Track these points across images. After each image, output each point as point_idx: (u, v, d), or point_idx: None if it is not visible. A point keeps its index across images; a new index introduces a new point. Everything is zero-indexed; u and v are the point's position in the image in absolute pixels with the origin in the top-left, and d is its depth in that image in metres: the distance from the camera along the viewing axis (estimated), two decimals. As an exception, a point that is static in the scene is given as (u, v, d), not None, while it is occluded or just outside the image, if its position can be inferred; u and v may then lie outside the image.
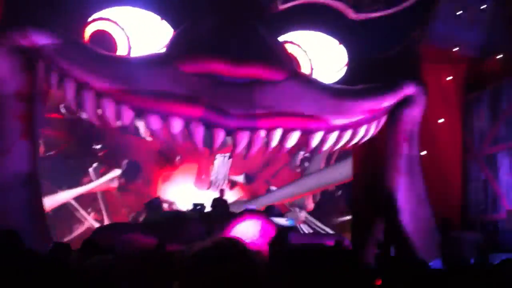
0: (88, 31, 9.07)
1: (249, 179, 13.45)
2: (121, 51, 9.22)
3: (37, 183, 8.80)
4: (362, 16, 9.42)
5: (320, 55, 10.15)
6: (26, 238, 4.54)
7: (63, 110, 12.31)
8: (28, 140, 8.49)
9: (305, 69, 9.97)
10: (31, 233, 3.95)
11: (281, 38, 9.65)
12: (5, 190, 8.16)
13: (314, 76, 9.92)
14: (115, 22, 9.21)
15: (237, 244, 1.77)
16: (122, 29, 9.25)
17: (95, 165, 12.58)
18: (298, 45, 10.05)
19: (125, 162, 12.50)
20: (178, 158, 12.63)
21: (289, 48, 9.80)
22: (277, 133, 9.01)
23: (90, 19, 9.02)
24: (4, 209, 7.93)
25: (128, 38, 9.26)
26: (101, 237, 8.02)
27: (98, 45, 8.75)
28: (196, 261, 1.71)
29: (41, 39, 8.23)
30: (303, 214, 13.57)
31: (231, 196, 12.61)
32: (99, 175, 12.53)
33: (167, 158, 12.51)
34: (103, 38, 9.10)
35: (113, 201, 12.50)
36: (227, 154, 12.62)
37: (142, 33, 9.21)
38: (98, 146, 12.55)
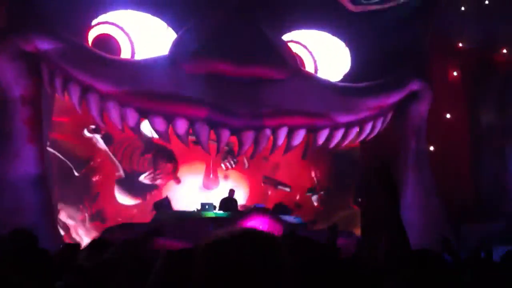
0: (92, 34, 9.10)
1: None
2: (125, 55, 9.26)
3: (47, 185, 8.93)
4: (360, 8, 9.36)
5: (325, 54, 10.11)
6: (38, 238, 4.63)
7: (88, 134, 12.62)
8: (35, 144, 8.62)
9: (309, 69, 9.94)
10: (42, 233, 4.03)
11: (286, 38, 9.64)
12: (17, 191, 8.37)
13: (319, 74, 9.88)
14: (118, 26, 9.23)
15: (258, 231, 1.65)
16: (126, 33, 9.27)
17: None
18: (304, 45, 10.00)
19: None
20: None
21: (294, 47, 9.78)
22: (283, 131, 9.02)
23: (93, 23, 9.06)
24: (16, 209, 8.12)
25: (131, 42, 9.27)
26: (110, 237, 8.09)
27: (102, 48, 8.79)
28: (217, 248, 1.59)
29: (44, 44, 8.32)
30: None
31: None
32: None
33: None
34: (107, 42, 9.12)
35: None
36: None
37: (145, 37, 9.21)
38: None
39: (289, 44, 9.60)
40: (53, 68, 8.47)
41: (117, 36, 9.26)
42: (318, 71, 10.01)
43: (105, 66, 8.43)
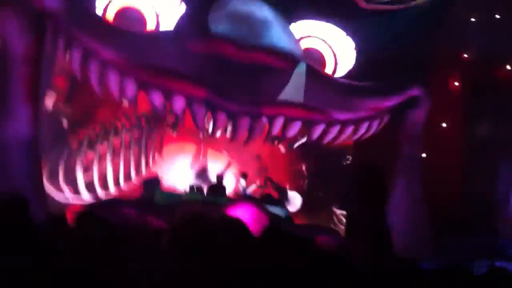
0: (117, 5, 8.98)
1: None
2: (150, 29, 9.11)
3: (37, 148, 8.75)
4: (372, 6, 9.34)
5: (346, 52, 10.02)
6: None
7: None
8: (31, 104, 8.41)
9: (329, 65, 9.88)
10: (31, 198, 3.94)
11: (308, 33, 9.56)
12: (6, 152, 8.10)
13: (338, 72, 9.82)
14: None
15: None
16: (152, 7, 9.07)
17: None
18: (327, 43, 9.90)
19: None
20: None
21: (316, 43, 9.77)
22: (279, 121, 9.00)
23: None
24: (5, 171, 7.87)
25: (157, 17, 9.07)
26: (97, 212, 8.01)
27: (125, 20, 8.76)
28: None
29: (52, 2, 8.15)
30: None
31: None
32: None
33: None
34: (131, 14, 8.99)
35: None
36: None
37: (172, 13, 9.00)
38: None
39: (311, 39, 9.59)
40: (58, 27, 8.33)
41: (142, 10, 9.06)
42: (337, 70, 9.92)
43: (110, 33, 8.36)
